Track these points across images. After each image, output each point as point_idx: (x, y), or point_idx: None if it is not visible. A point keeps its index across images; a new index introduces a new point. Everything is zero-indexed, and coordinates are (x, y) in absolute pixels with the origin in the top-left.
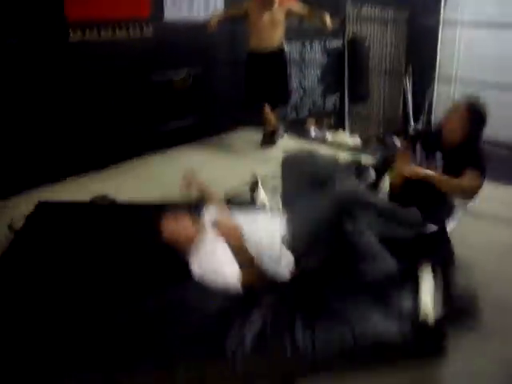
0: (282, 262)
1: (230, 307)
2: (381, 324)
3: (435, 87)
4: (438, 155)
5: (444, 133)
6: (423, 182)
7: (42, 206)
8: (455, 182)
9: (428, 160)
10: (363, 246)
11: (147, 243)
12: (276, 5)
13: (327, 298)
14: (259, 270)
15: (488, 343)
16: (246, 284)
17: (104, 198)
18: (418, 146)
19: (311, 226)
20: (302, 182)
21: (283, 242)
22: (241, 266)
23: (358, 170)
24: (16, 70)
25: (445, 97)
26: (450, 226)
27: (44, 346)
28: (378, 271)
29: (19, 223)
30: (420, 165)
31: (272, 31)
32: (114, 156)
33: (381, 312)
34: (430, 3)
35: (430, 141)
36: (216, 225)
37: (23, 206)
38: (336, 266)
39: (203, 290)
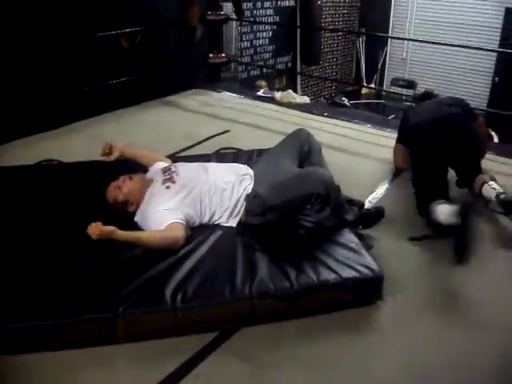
0: (229, 210)
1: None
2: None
3: (388, 48)
4: None
5: None
6: None
7: None
8: None
9: None
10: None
11: (91, 200)
12: None
13: (270, 246)
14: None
15: None
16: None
17: (50, 161)
18: None
19: (284, 190)
20: (295, 152)
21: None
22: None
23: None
24: None
25: (397, 57)
26: None
27: None
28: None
29: None
30: None
31: None
32: (59, 117)
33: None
34: None
35: None
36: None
37: None
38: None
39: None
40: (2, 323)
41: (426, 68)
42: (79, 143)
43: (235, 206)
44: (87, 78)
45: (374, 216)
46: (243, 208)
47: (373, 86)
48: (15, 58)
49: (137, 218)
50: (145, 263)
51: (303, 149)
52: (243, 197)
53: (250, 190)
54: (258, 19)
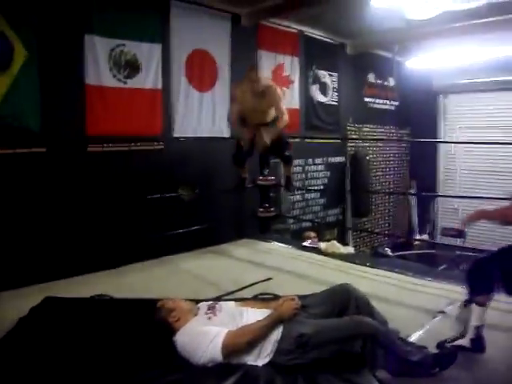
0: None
1: None
2: None
3: (439, 199)
4: None
5: None
6: None
7: (48, 300)
8: None
9: None
10: None
11: (137, 334)
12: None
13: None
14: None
15: None
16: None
17: (102, 296)
18: None
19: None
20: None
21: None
22: None
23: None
24: (41, 174)
25: (448, 207)
26: None
27: None
28: None
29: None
30: None
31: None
32: (121, 259)
33: None
34: (429, 121)
35: None
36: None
37: (31, 296)
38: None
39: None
40: None
41: None
42: (135, 281)
43: (263, 346)
44: (149, 227)
45: (450, 355)
46: (273, 350)
47: (425, 235)
48: (88, 204)
49: (177, 338)
50: None
51: (343, 307)
52: (272, 340)
53: (279, 334)
54: (309, 174)
